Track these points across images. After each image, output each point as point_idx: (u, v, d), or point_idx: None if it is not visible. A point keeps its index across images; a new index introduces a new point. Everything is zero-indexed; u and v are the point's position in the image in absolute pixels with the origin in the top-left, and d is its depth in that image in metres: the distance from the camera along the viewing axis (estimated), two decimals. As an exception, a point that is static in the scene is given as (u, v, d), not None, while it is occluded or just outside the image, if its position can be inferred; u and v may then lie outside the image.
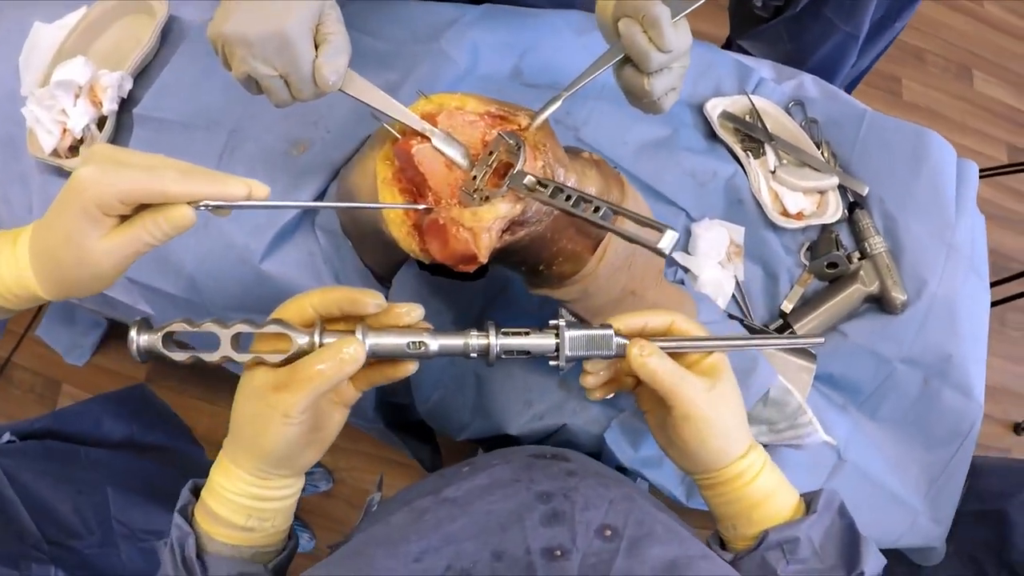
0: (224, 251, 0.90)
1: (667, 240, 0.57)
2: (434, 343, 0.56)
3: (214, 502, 0.57)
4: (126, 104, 1.02)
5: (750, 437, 0.64)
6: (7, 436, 1.14)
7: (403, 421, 1.17)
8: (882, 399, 1.12)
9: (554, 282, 0.75)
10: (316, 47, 0.68)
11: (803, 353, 1.07)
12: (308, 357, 0.53)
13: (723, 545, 0.67)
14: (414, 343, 0.56)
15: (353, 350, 0.53)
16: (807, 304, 1.12)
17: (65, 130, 0.99)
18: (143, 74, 1.05)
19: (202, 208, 0.53)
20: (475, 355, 0.58)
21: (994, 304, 2.01)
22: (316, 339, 0.54)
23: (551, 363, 0.59)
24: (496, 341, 0.57)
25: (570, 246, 0.72)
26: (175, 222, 0.52)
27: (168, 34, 1.08)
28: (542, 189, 0.63)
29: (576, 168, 0.71)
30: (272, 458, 0.55)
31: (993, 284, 2.04)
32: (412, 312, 0.58)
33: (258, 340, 0.56)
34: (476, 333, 0.58)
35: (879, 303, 1.13)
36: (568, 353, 0.58)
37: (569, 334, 0.58)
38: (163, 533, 1.12)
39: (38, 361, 1.88)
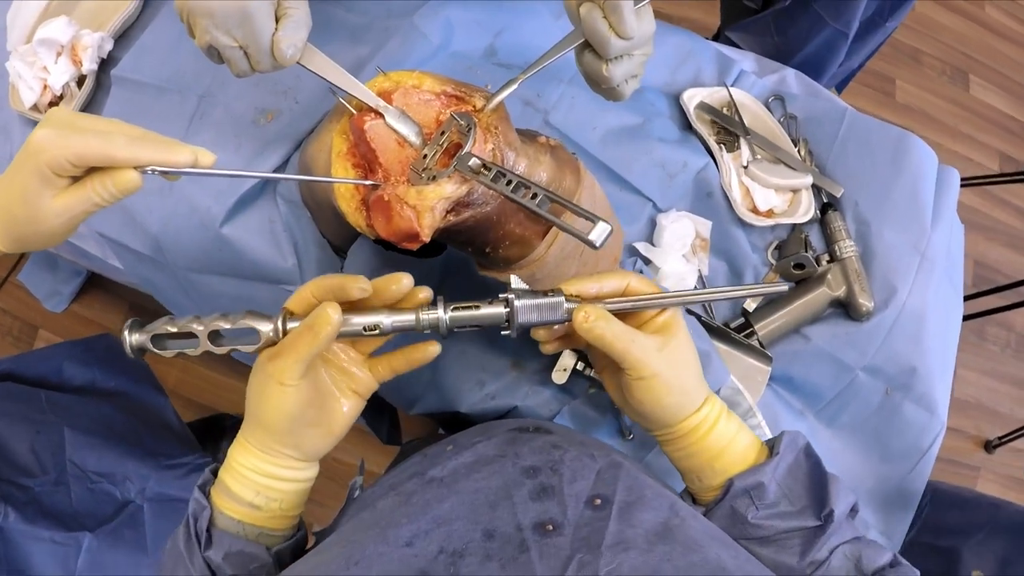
0: (188, 214, 0.91)
1: (598, 232, 0.58)
2: (387, 321, 0.59)
3: (228, 477, 0.61)
4: (106, 64, 1.03)
5: (706, 390, 0.65)
6: None
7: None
8: (842, 407, 1.12)
9: (501, 265, 0.76)
10: (277, 20, 0.69)
11: (758, 354, 1.07)
12: (295, 327, 0.57)
13: (693, 500, 0.68)
14: (369, 325, 0.59)
15: (324, 310, 0.56)
16: (771, 304, 1.12)
17: (46, 87, 1.01)
18: (124, 36, 1.06)
19: (149, 172, 0.55)
20: (427, 330, 0.60)
21: (974, 316, 2.02)
22: (279, 326, 0.59)
23: (503, 332, 0.62)
24: (445, 315, 0.60)
25: (518, 230, 0.72)
26: (122, 185, 0.55)
27: (150, -3, 1.08)
28: (485, 172, 0.64)
29: (528, 153, 0.71)
30: (276, 429, 0.59)
31: (974, 296, 2.05)
32: (400, 282, 0.60)
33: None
34: (426, 309, 0.60)
35: (845, 308, 1.13)
36: (519, 322, 0.60)
37: (519, 304, 0.60)
38: (114, 475, 1.17)
39: (17, 305, 1.89)
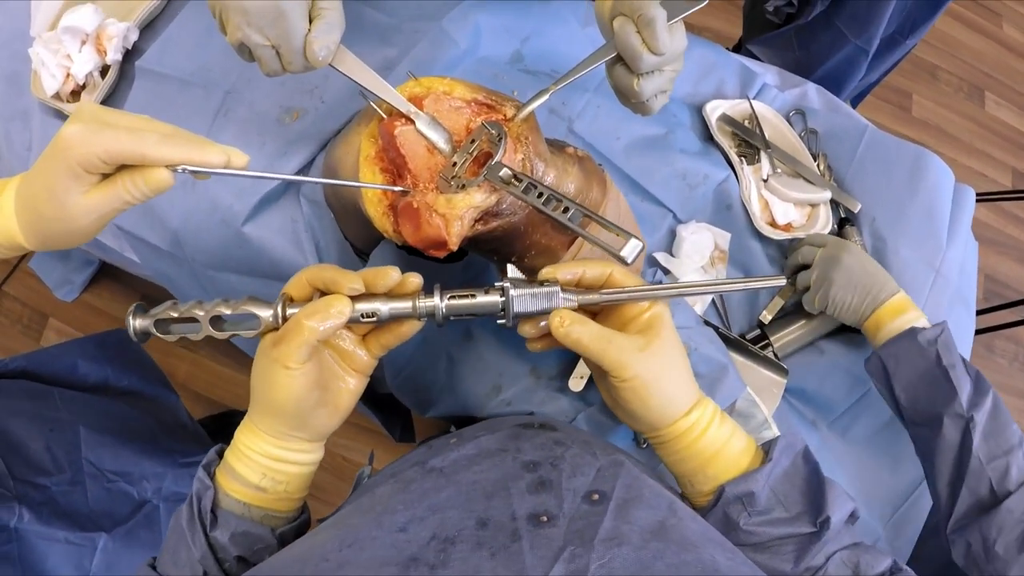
0: (209, 210, 0.91)
1: (630, 248, 0.58)
2: (385, 308, 0.60)
3: (234, 459, 0.61)
4: (130, 55, 1.03)
5: (696, 392, 0.64)
6: None
7: (372, 394, 1.19)
8: (854, 419, 1.11)
9: (526, 274, 0.76)
10: (311, 21, 0.69)
11: (774, 367, 1.07)
12: (298, 311, 0.57)
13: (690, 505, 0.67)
14: (368, 312, 0.59)
15: (336, 302, 0.57)
16: (787, 316, 1.12)
17: (68, 75, 1.01)
18: (150, 27, 1.05)
19: (180, 171, 0.55)
20: (424, 317, 0.61)
21: (983, 331, 2.02)
22: (279, 312, 0.59)
23: (499, 322, 0.62)
24: (442, 303, 0.60)
25: (544, 241, 0.72)
26: (154, 184, 0.54)
27: (178, -11, 1.08)
28: (516, 183, 0.64)
29: (557, 164, 0.71)
30: (284, 413, 0.59)
31: (984, 311, 2.05)
32: (388, 276, 0.60)
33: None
34: (424, 296, 0.60)
35: None
36: (515, 311, 0.60)
37: (514, 293, 0.60)
38: (131, 475, 1.16)
39: (28, 293, 1.89)
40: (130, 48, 1.02)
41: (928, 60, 2.51)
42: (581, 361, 1.08)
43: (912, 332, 0.93)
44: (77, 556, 1.06)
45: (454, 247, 0.65)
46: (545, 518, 0.48)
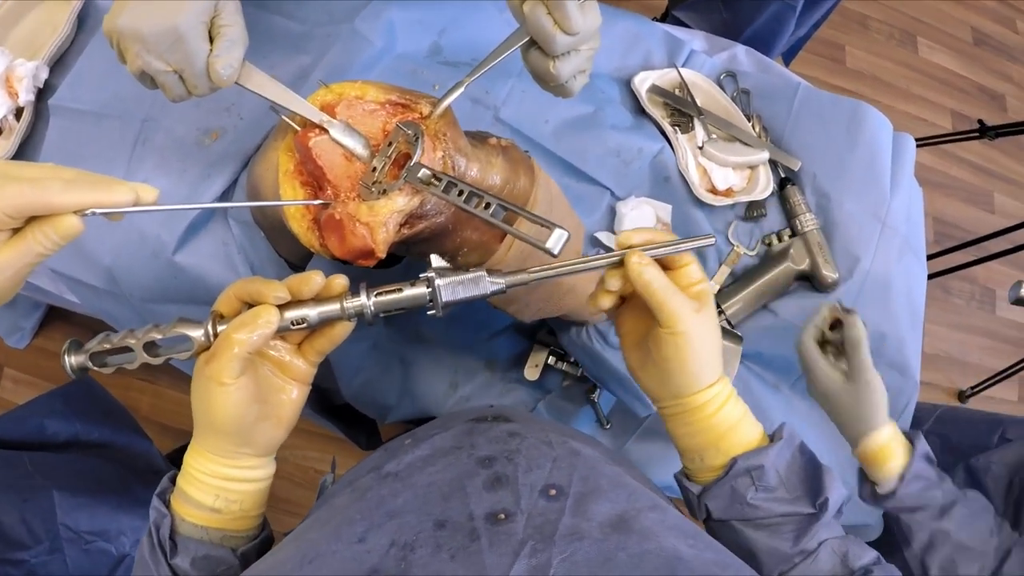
0: (138, 243, 0.89)
1: (554, 239, 0.57)
2: (314, 313, 0.59)
3: (185, 483, 0.61)
4: (43, 93, 0.99)
5: (721, 370, 0.65)
6: None
7: (331, 405, 1.17)
8: None
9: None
10: (212, 40, 0.67)
11: (729, 335, 1.07)
12: (226, 327, 0.57)
13: (687, 478, 0.68)
14: (297, 319, 0.58)
15: (263, 312, 0.56)
16: (736, 283, 1.12)
17: (-18, 129, 0.97)
18: (60, 62, 1.02)
19: (90, 214, 0.53)
20: (354, 318, 0.60)
21: (938, 274, 2.05)
22: (210, 331, 0.58)
23: (429, 313, 0.61)
24: (369, 301, 0.59)
25: (475, 236, 0.71)
26: (63, 231, 0.52)
27: (85, 20, 1.04)
28: (436, 183, 0.62)
29: (480, 157, 0.70)
30: (225, 430, 0.59)
31: (937, 254, 2.08)
32: (312, 281, 0.59)
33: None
34: (350, 296, 0.59)
35: (810, 281, 1.14)
36: (443, 300, 0.60)
37: (441, 282, 0.59)
38: (108, 532, 1.13)
39: (-22, 344, 1.84)
40: (41, 86, 0.99)
41: (857, 10, 2.52)
42: (535, 348, 1.07)
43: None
44: None
45: (382, 255, 0.64)
46: (503, 515, 0.48)
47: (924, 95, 2.53)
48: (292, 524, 0.66)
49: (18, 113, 0.98)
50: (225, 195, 0.88)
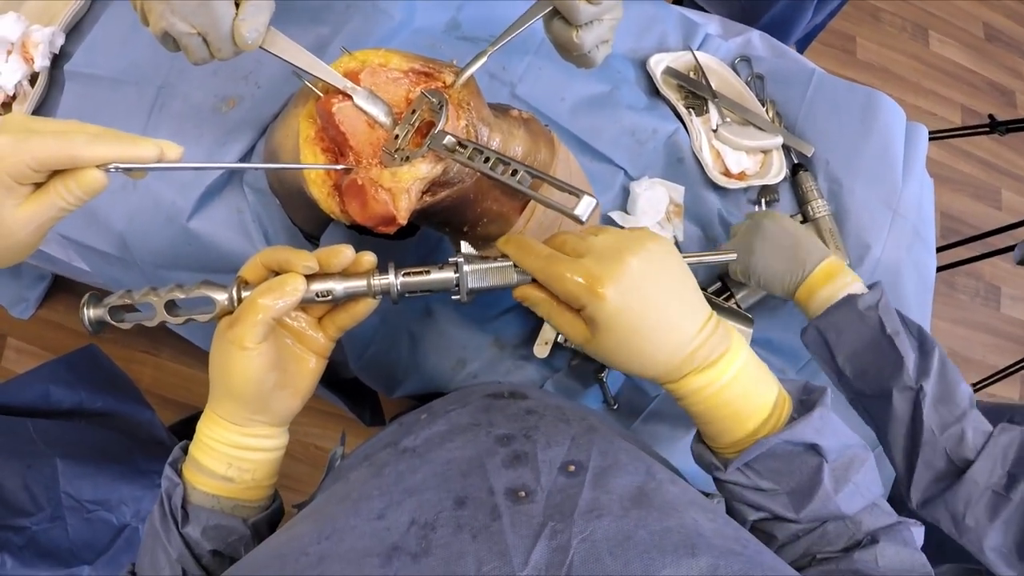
0: (153, 209, 0.89)
1: (583, 207, 0.57)
2: (340, 287, 0.59)
3: (199, 452, 0.61)
4: (58, 60, 0.99)
5: (700, 320, 0.57)
6: None
7: (337, 379, 1.17)
8: None
9: (480, 244, 0.75)
10: (236, 4, 0.67)
11: (740, 317, 1.07)
12: (253, 291, 0.57)
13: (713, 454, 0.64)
14: (322, 292, 0.59)
15: (291, 280, 0.56)
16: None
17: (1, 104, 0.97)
18: (76, 30, 1.01)
19: (113, 170, 0.53)
20: (379, 296, 0.60)
21: (943, 268, 2.05)
22: (234, 295, 0.59)
23: (454, 298, 0.61)
24: (396, 280, 0.60)
25: (496, 207, 0.71)
26: (87, 185, 0.52)
27: (102, -12, 1.04)
28: (461, 150, 0.62)
29: (502, 127, 0.70)
30: (243, 396, 0.58)
31: (942, 248, 2.08)
32: (342, 254, 0.59)
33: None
34: (378, 274, 0.59)
35: None
36: (469, 287, 0.60)
37: (468, 268, 0.60)
38: (109, 501, 1.13)
39: (-16, 315, 1.85)
40: (57, 53, 0.98)
41: (870, 3, 2.51)
42: (545, 326, 1.07)
43: (851, 299, 0.86)
44: None
45: (403, 221, 0.64)
46: (523, 493, 0.48)
47: (934, 89, 2.53)
48: (292, 500, 0.66)
49: (33, 79, 0.98)
50: (242, 162, 0.88)
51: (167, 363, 1.84)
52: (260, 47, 0.68)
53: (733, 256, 0.68)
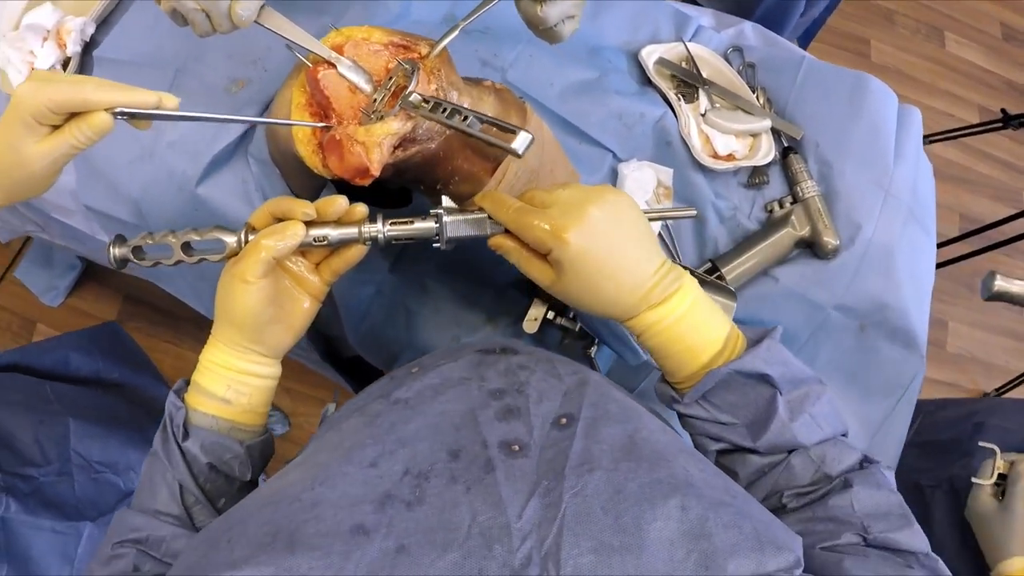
0: (166, 178, 0.96)
1: (520, 141, 0.63)
2: (334, 233, 0.67)
3: (200, 376, 0.68)
4: (89, 47, 1.09)
5: (656, 264, 0.64)
6: None
7: (339, 357, 1.23)
8: (817, 347, 1.12)
9: (456, 203, 0.80)
10: None
11: (723, 291, 1.09)
12: (258, 234, 0.65)
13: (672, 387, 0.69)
14: (319, 237, 0.66)
15: (291, 225, 0.64)
16: (737, 248, 1.14)
17: (33, 69, 1.06)
18: (106, 21, 1.11)
19: (119, 118, 0.61)
20: (368, 242, 0.68)
21: (948, 263, 2.01)
22: (242, 238, 0.67)
23: (435, 245, 0.68)
24: (384, 228, 0.67)
25: (466, 166, 0.77)
26: (96, 126, 0.61)
27: (130, -15, 1.14)
28: (425, 105, 0.69)
29: (472, 93, 0.76)
30: (243, 324, 0.66)
31: (945, 243, 2.05)
32: (336, 203, 0.66)
33: None
34: (367, 224, 0.67)
35: (811, 248, 1.14)
36: (448, 235, 0.67)
37: (448, 219, 0.67)
38: (117, 465, 1.19)
39: (15, 301, 1.96)
40: (88, 40, 1.08)
41: (883, 5, 2.53)
42: (535, 303, 1.12)
43: None
44: (62, 544, 1.10)
45: (376, 172, 0.70)
46: (516, 447, 0.49)
47: (951, 90, 2.52)
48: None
49: (65, 64, 1.08)
50: (246, 135, 0.96)
51: (188, 352, 1.92)
52: (256, 22, 0.76)
53: (693, 212, 0.73)
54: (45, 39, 1.06)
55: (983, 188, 2.45)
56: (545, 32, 0.78)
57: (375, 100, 0.73)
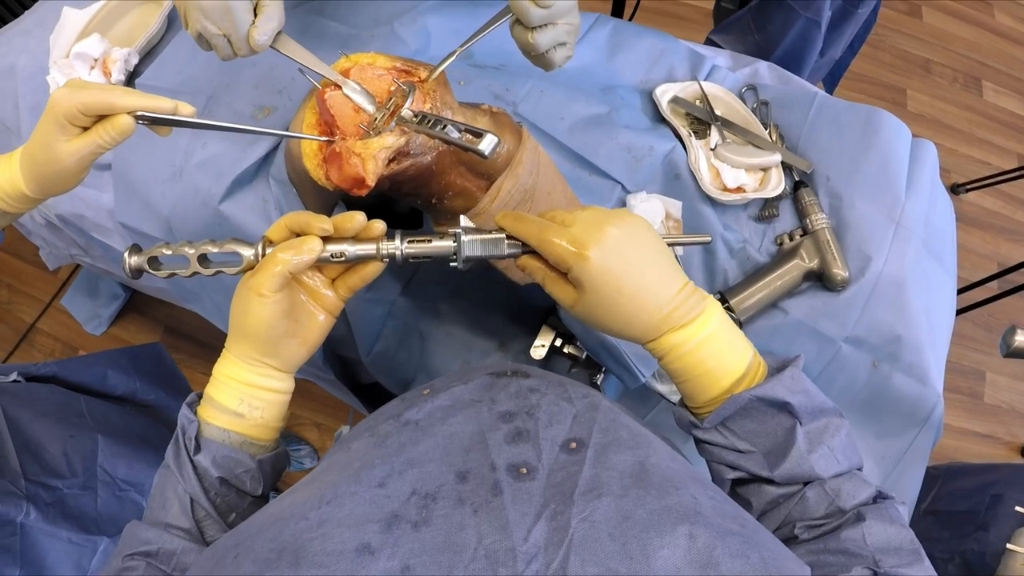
0: (193, 195, 1.03)
1: (486, 143, 0.67)
2: (351, 250, 0.67)
3: (213, 390, 0.68)
4: (132, 76, 1.18)
5: (678, 285, 0.64)
6: (14, 375, 1.24)
7: (358, 382, 1.27)
8: (829, 382, 1.11)
9: (450, 217, 0.85)
10: (256, 14, 0.82)
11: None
12: (275, 247, 0.66)
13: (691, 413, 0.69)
14: (336, 252, 0.67)
15: (309, 240, 0.65)
16: (746, 279, 1.14)
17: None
18: (150, 53, 1.21)
19: (140, 123, 0.68)
20: (386, 259, 0.69)
21: (974, 307, 1.95)
22: (259, 251, 0.68)
23: (452, 264, 0.69)
24: (402, 245, 0.68)
25: (459, 181, 0.81)
26: (120, 128, 0.68)
27: (173, 20, 1.23)
28: (415, 119, 0.74)
29: (466, 113, 0.81)
30: (256, 338, 0.66)
31: (966, 288, 1.99)
32: (355, 219, 0.67)
33: None
34: (385, 240, 0.68)
35: (820, 280, 1.14)
36: (465, 254, 0.68)
37: (465, 239, 0.68)
38: (142, 485, 1.23)
39: (60, 328, 2.05)
40: (131, 70, 1.17)
41: (919, 55, 2.53)
42: (543, 330, 1.14)
43: None
44: (77, 555, 1.11)
45: (371, 183, 0.75)
46: (524, 470, 0.49)
47: (989, 139, 2.49)
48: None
49: (110, 91, 1.17)
50: (267, 157, 1.02)
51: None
52: (272, 47, 0.83)
53: (707, 239, 0.75)
54: (92, 67, 1.15)
55: (1021, 236, 2.40)
56: (538, 59, 0.82)
57: (376, 118, 0.79)
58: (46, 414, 1.19)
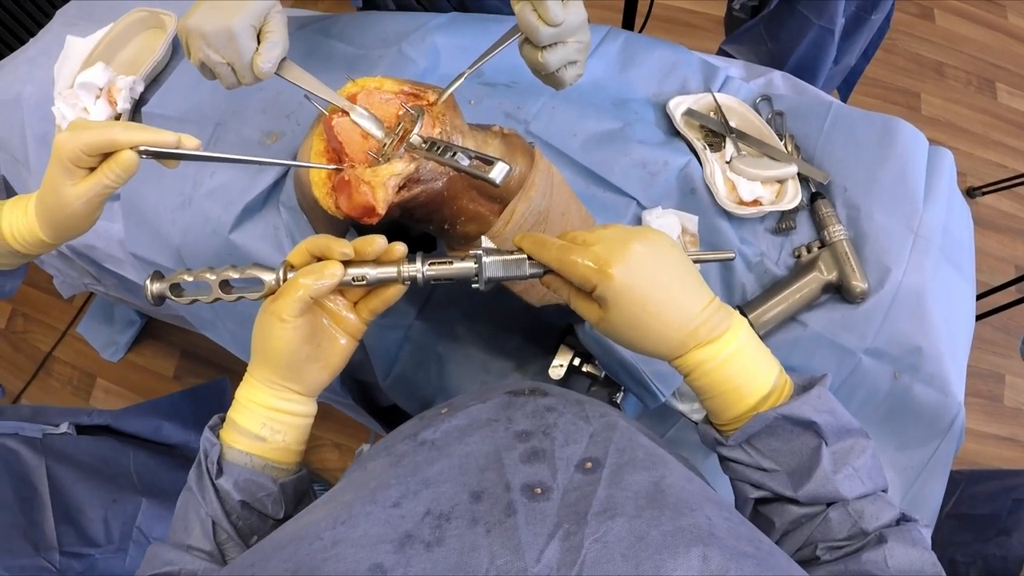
0: (203, 224, 1.02)
1: (497, 171, 0.65)
2: (372, 273, 0.66)
3: (236, 414, 0.68)
4: (138, 104, 1.18)
5: (704, 301, 0.63)
6: (65, 427, 1.21)
7: (377, 405, 1.26)
8: (850, 394, 1.10)
9: (463, 242, 0.83)
10: (259, 41, 0.81)
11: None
12: (296, 272, 0.65)
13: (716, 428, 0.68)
14: (357, 276, 0.66)
15: (330, 265, 0.64)
16: (765, 293, 1.13)
17: (82, 124, 1.16)
18: (155, 80, 1.20)
19: (144, 156, 0.67)
20: (407, 282, 0.68)
21: (1005, 308, 1.92)
22: (281, 276, 0.67)
23: (473, 286, 0.68)
24: (423, 268, 0.67)
25: (471, 206, 0.80)
26: (123, 163, 0.67)
27: (177, 47, 1.23)
28: (424, 146, 0.72)
29: (476, 136, 0.79)
30: (278, 363, 0.66)
31: (985, 293, 1.96)
32: (375, 243, 0.66)
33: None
34: (406, 263, 0.67)
35: (839, 292, 1.12)
36: (487, 276, 0.67)
37: (487, 260, 0.67)
38: None
39: (76, 356, 2.06)
40: (137, 98, 1.16)
41: (932, 58, 2.50)
42: (561, 349, 1.13)
43: None
44: None
45: (381, 211, 0.73)
46: (539, 490, 0.49)
47: (1004, 141, 2.45)
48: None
49: (116, 119, 1.16)
50: (277, 184, 1.01)
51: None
52: (277, 74, 0.81)
53: (732, 255, 0.73)
54: (98, 96, 1.14)
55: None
56: (548, 78, 0.81)
57: (384, 145, 0.77)
58: (92, 472, 1.18)
